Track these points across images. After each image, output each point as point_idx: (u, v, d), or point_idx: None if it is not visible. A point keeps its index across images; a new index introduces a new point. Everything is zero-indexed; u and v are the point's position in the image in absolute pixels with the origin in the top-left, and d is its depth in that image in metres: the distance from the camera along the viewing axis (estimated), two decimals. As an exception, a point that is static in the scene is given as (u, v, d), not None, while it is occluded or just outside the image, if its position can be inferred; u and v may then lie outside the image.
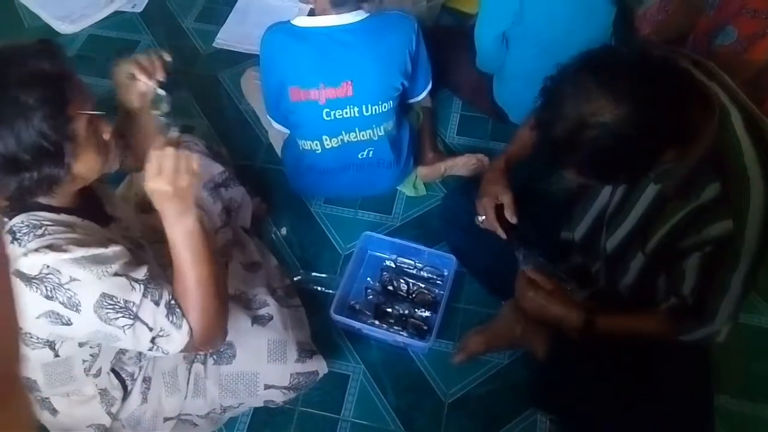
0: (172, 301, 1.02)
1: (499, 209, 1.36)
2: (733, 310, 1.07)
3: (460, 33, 2.01)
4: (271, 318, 1.37)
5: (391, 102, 1.57)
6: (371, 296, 1.65)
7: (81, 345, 1.07)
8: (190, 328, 1.03)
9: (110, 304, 0.96)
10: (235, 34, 2.30)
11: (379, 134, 1.63)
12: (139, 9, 2.43)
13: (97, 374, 1.15)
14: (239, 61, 2.21)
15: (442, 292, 1.62)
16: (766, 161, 0.97)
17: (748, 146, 0.97)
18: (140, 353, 1.22)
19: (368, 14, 1.49)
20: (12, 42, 0.92)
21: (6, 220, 0.94)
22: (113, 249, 0.99)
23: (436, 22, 2.28)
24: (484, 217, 1.37)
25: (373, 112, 1.56)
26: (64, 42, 2.27)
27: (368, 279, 1.69)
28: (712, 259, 1.03)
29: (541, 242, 1.37)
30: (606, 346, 1.21)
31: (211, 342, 1.12)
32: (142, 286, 0.99)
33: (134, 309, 0.98)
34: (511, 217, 1.34)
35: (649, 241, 1.12)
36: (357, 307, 1.63)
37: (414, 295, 1.65)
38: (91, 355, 1.10)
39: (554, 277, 1.30)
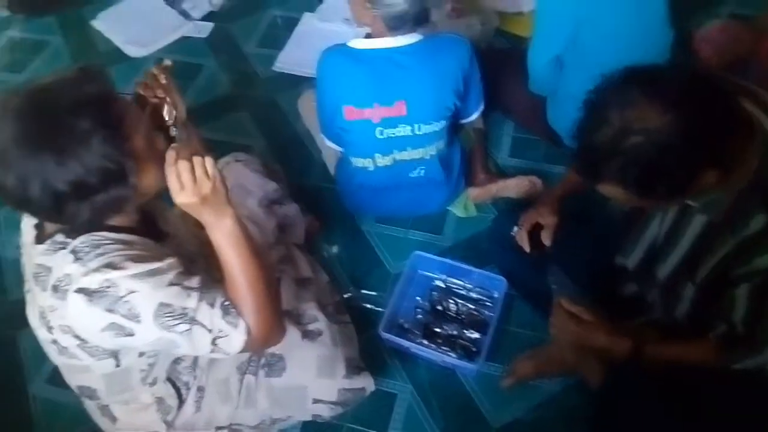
0: (226, 302, 1.05)
1: (537, 230, 1.37)
2: None
3: (513, 55, 2.00)
4: (320, 333, 1.39)
5: (443, 122, 1.59)
6: (420, 315, 1.65)
7: (140, 355, 1.11)
8: (247, 327, 1.05)
9: (168, 312, 0.99)
10: (294, 58, 2.38)
11: (431, 153, 1.64)
12: (204, 35, 2.54)
13: (154, 383, 1.18)
14: (297, 83, 2.27)
15: (491, 314, 1.60)
16: None
17: None
18: (194, 363, 1.25)
19: (423, 37, 1.52)
20: (53, 75, 0.94)
21: (69, 240, 0.98)
22: (168, 261, 1.02)
23: (489, 44, 2.29)
24: (518, 229, 1.40)
25: (425, 132, 1.58)
26: (134, 65, 2.40)
27: (417, 298, 1.68)
28: (762, 290, 1.02)
29: (589, 270, 1.34)
30: (665, 375, 1.17)
31: (269, 339, 1.13)
32: (196, 293, 1.01)
33: (191, 314, 1.00)
34: (545, 240, 1.35)
35: (698, 272, 1.10)
36: (406, 326, 1.63)
37: (463, 316, 1.64)
38: (148, 365, 1.14)
39: (590, 306, 1.27)
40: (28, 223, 1.08)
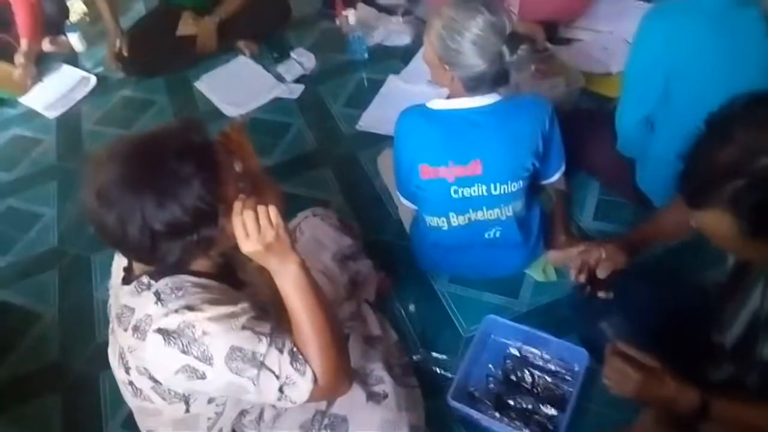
0: (294, 349, 1.05)
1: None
2: None
3: (600, 116, 1.95)
4: (386, 396, 1.34)
5: (520, 182, 1.54)
6: (492, 385, 1.56)
7: (209, 402, 1.12)
8: (314, 375, 1.04)
9: (239, 356, 1.00)
10: (376, 117, 2.44)
11: (507, 214, 1.59)
12: (295, 96, 2.68)
13: (219, 432, 1.18)
14: (378, 142, 2.32)
15: (571, 390, 1.49)
16: None
17: None
18: (260, 417, 1.25)
19: (502, 97, 1.50)
20: (159, 126, 1.04)
21: (153, 282, 1.04)
22: (242, 306, 1.05)
23: (575, 105, 2.24)
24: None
25: (502, 192, 1.54)
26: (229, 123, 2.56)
27: (490, 366, 1.60)
28: None
29: (683, 344, 1.22)
30: None
31: (336, 389, 1.12)
32: (267, 338, 1.03)
33: (260, 358, 1.01)
34: (601, 273, 1.26)
35: None
36: (476, 394, 1.54)
37: (539, 389, 1.53)
38: (215, 413, 1.15)
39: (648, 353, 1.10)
40: (117, 265, 1.15)
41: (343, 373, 1.11)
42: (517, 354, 1.61)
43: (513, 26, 1.42)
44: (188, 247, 0.99)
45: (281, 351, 1.03)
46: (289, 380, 1.03)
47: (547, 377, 1.54)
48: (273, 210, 1.02)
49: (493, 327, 1.64)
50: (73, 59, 3.09)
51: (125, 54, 2.84)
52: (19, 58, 2.83)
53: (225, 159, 1.04)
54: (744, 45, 1.54)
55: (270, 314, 1.19)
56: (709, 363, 1.23)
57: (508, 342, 1.63)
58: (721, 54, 1.54)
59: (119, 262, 1.15)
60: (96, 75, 2.96)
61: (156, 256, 0.99)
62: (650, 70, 1.56)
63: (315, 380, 1.04)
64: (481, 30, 1.39)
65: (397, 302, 1.80)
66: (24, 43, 2.85)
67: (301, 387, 1.04)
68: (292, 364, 1.03)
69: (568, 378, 1.53)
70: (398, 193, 1.74)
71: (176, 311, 0.99)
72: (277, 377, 1.03)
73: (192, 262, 1.06)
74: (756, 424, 1.05)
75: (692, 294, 1.31)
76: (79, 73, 2.98)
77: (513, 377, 1.56)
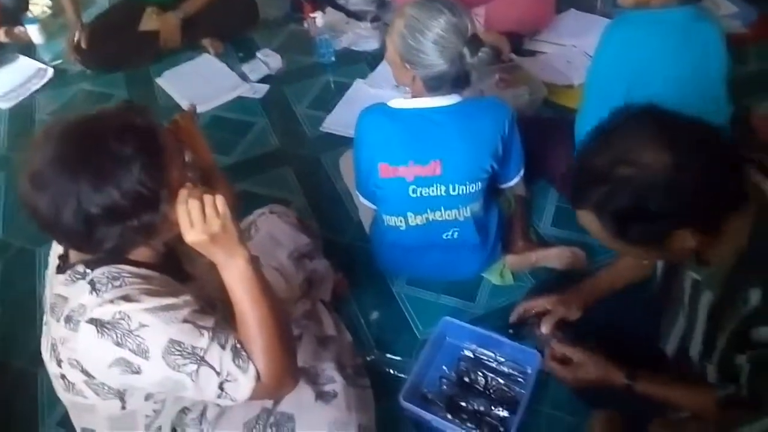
0: (238, 345, 1.01)
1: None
2: None
3: (560, 125, 1.97)
4: (335, 396, 1.31)
5: (479, 183, 1.55)
6: (445, 386, 1.55)
7: (147, 399, 1.07)
8: (257, 373, 1.00)
9: (178, 350, 0.96)
10: (341, 119, 2.43)
11: (465, 215, 1.59)
12: (259, 95, 2.65)
13: (158, 431, 1.14)
14: (341, 144, 2.30)
15: (523, 391, 1.49)
16: None
17: None
18: (202, 415, 1.20)
19: (462, 99, 1.51)
20: (100, 108, 1.00)
21: (89, 271, 0.98)
22: (183, 298, 1.00)
23: (536, 113, 2.27)
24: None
25: (460, 192, 1.54)
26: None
27: (444, 367, 1.59)
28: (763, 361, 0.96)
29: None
30: None
31: (279, 388, 1.08)
32: (209, 332, 0.99)
33: (201, 353, 0.97)
34: (544, 327, 1.38)
35: (713, 353, 1.05)
36: (429, 396, 1.53)
37: (492, 391, 1.52)
38: (154, 411, 1.10)
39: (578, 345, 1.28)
40: (54, 253, 1.09)
41: (288, 372, 1.07)
42: (471, 356, 1.60)
43: (475, 28, 1.43)
44: (127, 234, 0.94)
45: (223, 347, 0.99)
46: (231, 377, 0.99)
47: (500, 379, 1.54)
48: (220, 199, 0.98)
49: (449, 329, 1.63)
50: (30, 51, 3.01)
51: (83, 46, 2.77)
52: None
53: (170, 142, 0.99)
54: (705, 57, 1.59)
55: (217, 309, 1.16)
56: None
57: (463, 344, 1.62)
58: (684, 65, 1.58)
59: (56, 249, 1.09)
60: (54, 68, 2.89)
61: (91, 243, 0.94)
62: (612, 76, 1.59)
63: (258, 378, 1.00)
64: (443, 30, 1.39)
65: (354, 304, 1.78)
66: (-22, 33, 2.77)
67: (243, 385, 1.00)
68: (234, 360, 0.99)
69: (521, 380, 1.53)
70: (357, 192, 1.73)
71: (111, 301, 0.94)
72: (218, 374, 0.98)
73: (131, 250, 1.01)
74: (681, 402, 1.15)
75: (634, 308, 1.33)
76: (35, 64, 2.90)
77: (466, 379, 1.55)
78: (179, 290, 1.03)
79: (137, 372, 0.96)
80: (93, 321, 0.94)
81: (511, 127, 1.57)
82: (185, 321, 0.97)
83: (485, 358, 1.59)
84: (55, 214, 0.91)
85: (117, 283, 0.97)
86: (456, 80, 1.47)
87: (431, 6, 1.40)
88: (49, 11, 3.31)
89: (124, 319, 0.94)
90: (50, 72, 2.86)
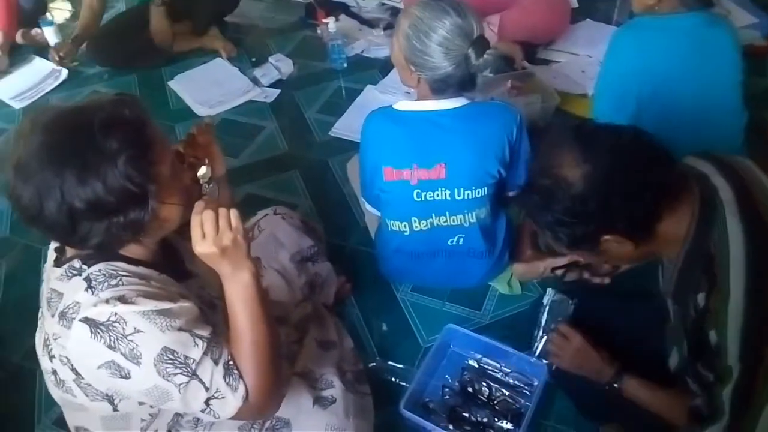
0: (231, 362, 0.99)
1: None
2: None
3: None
4: (334, 401, 1.29)
5: (485, 189, 1.51)
6: (448, 396, 1.51)
7: (141, 403, 1.04)
8: (246, 393, 0.98)
9: (170, 359, 0.93)
10: (351, 124, 2.41)
11: (471, 221, 1.55)
12: (269, 100, 2.65)
13: (154, 434, 1.11)
14: (350, 149, 2.28)
15: (528, 404, 1.44)
16: (755, 276, 0.90)
17: (740, 257, 0.90)
18: (197, 418, 1.17)
19: (469, 102, 1.48)
20: (91, 98, 0.97)
21: (85, 267, 0.96)
22: (181, 304, 0.98)
23: (549, 123, 2.24)
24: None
25: (466, 197, 1.50)
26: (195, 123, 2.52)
27: (447, 377, 1.55)
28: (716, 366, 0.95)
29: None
30: None
31: (265, 409, 1.06)
32: (204, 343, 0.96)
33: (193, 366, 0.95)
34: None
35: (684, 362, 1.06)
36: (431, 405, 1.49)
37: (496, 403, 1.48)
38: (150, 415, 1.07)
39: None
40: (53, 246, 1.07)
41: (274, 395, 1.06)
42: (476, 365, 1.56)
43: (481, 29, 1.40)
44: (113, 230, 0.91)
45: (216, 362, 0.97)
46: (219, 394, 0.97)
47: (504, 390, 1.50)
48: (234, 213, 0.98)
49: (453, 337, 1.59)
50: (46, 53, 3.03)
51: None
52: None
53: (159, 137, 0.96)
54: (718, 63, 1.57)
55: (217, 309, 1.14)
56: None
57: (468, 353, 1.58)
58: (695, 71, 1.55)
59: (54, 242, 1.07)
60: (68, 69, 2.90)
61: (76, 238, 0.92)
62: (624, 80, 1.57)
63: (246, 398, 0.98)
64: (448, 32, 1.36)
65: (358, 309, 1.75)
66: (-3, 35, 2.80)
67: (230, 403, 0.98)
68: (225, 377, 0.97)
69: (527, 392, 1.49)
70: (363, 198, 1.70)
71: (107, 301, 0.92)
72: (207, 389, 0.96)
73: (120, 247, 0.98)
74: (657, 407, 1.13)
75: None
76: (50, 65, 2.93)
77: (470, 389, 1.51)
78: (178, 293, 1.01)
79: (126, 377, 0.93)
80: (87, 320, 0.92)
81: (520, 132, 1.53)
82: (181, 329, 0.95)
83: (490, 368, 1.55)
84: (38, 205, 0.88)
85: (114, 281, 0.94)
86: (461, 83, 1.44)
87: (436, 6, 1.38)
88: (68, 14, 3.37)
89: (119, 322, 0.92)
90: (64, 73, 2.89)
